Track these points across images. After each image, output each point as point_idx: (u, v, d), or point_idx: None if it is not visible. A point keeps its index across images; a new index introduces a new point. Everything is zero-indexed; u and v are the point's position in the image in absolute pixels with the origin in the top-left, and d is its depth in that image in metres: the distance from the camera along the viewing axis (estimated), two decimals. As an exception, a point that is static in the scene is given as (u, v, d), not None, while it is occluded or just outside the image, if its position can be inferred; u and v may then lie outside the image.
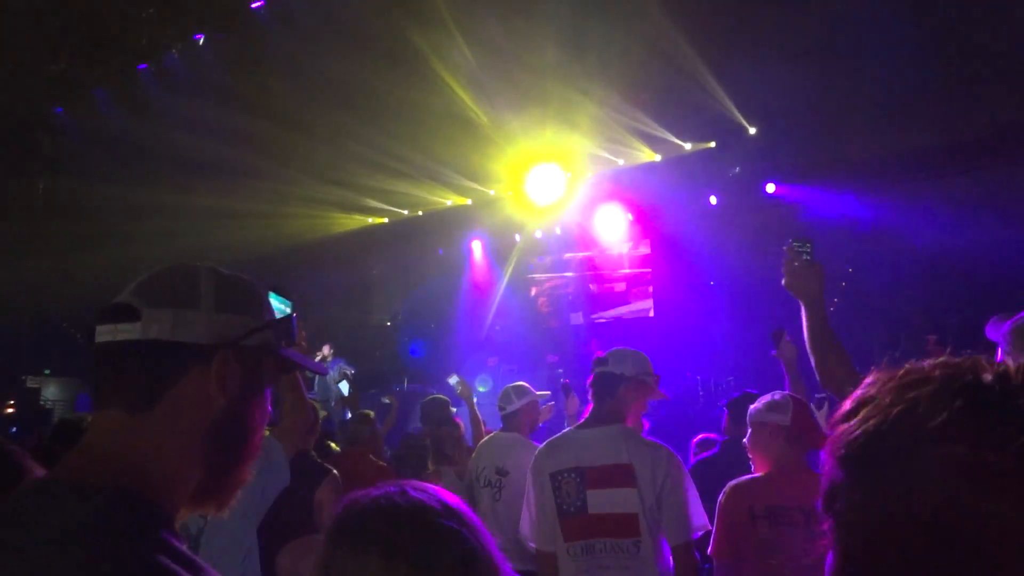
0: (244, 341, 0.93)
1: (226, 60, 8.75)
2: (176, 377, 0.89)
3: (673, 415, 8.86)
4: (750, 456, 2.44)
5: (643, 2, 7.47)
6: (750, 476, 2.38)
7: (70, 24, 8.60)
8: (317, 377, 10.71)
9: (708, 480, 2.95)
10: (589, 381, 2.78)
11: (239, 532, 1.93)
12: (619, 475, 2.53)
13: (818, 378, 2.04)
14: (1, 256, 11.42)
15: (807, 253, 2.05)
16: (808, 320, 2.02)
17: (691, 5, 7.93)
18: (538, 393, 3.88)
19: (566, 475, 2.60)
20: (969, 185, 9.97)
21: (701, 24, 8.29)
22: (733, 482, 2.39)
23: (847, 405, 0.70)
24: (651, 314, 12.18)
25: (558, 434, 2.89)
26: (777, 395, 2.39)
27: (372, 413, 4.15)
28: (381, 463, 4.11)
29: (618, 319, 12.24)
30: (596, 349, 10.51)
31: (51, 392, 13.74)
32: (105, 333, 0.90)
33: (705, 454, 3.73)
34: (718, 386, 10.16)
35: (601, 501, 2.51)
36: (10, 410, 12.23)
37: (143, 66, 9.15)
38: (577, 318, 12.92)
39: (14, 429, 10.78)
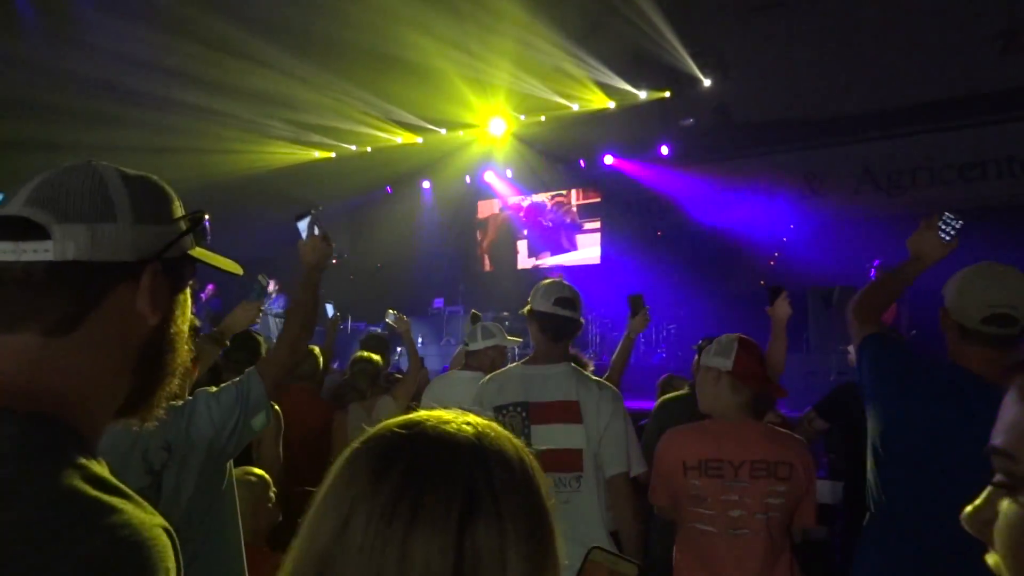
0: (168, 253, 0.87)
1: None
2: (98, 299, 0.81)
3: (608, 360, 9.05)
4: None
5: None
6: (688, 425, 2.40)
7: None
8: (261, 313, 10.51)
9: (678, 419, 2.94)
10: (543, 318, 2.67)
11: (210, 466, 1.84)
12: (566, 411, 2.55)
13: (855, 300, 2.13)
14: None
15: (951, 231, 2.04)
16: (899, 268, 2.11)
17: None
18: (509, 338, 3.71)
19: (511, 409, 2.59)
20: (909, 147, 10.23)
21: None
22: (671, 430, 2.40)
23: None
24: (598, 262, 12.30)
25: (503, 368, 2.87)
26: (724, 337, 2.37)
27: (317, 349, 4.09)
28: (323, 401, 4.08)
29: (564, 266, 12.32)
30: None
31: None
32: (3, 252, 0.78)
33: (677, 392, 3.72)
34: (659, 334, 10.37)
35: (545, 436, 2.52)
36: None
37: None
38: (524, 261, 12.96)
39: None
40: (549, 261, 12.66)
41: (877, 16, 8.95)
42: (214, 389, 1.92)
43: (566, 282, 2.82)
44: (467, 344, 3.71)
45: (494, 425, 0.79)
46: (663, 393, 3.86)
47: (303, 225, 2.16)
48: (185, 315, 0.93)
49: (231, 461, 1.93)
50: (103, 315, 0.82)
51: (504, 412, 2.60)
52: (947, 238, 2.05)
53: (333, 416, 3.96)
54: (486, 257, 13.54)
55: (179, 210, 0.92)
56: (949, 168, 9.97)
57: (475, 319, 4.57)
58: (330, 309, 4.85)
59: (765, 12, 9.21)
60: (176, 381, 0.93)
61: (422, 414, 0.78)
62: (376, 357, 4.20)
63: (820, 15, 9.15)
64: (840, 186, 10.50)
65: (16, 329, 0.80)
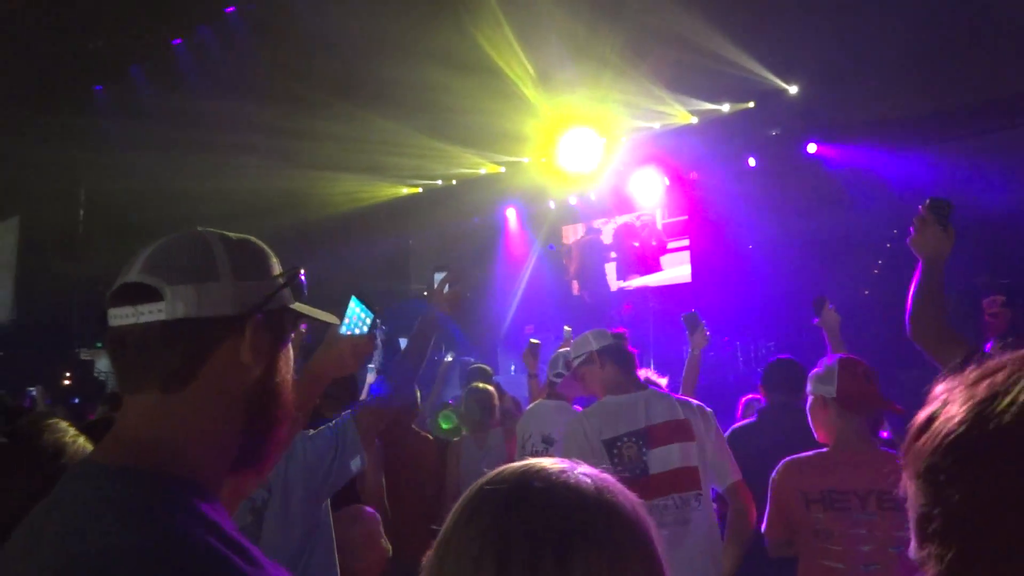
0: (268, 305, 0.93)
1: (258, 32, 8.76)
2: (207, 353, 0.88)
3: (712, 381, 8.80)
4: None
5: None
6: (806, 454, 2.28)
7: (104, 3, 8.70)
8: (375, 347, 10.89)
9: (746, 447, 2.92)
10: (611, 351, 2.76)
11: (306, 507, 1.92)
12: (680, 430, 2.58)
13: (909, 330, 2.01)
14: (52, 232, 11.77)
15: (943, 217, 1.96)
16: (923, 277, 1.99)
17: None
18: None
19: (625, 440, 2.59)
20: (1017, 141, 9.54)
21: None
22: (788, 459, 2.28)
23: (919, 418, 0.66)
24: (688, 280, 12.03)
25: (592, 404, 2.85)
26: (822, 365, 2.26)
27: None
28: (423, 432, 4.15)
29: (653, 287, 12.11)
30: (630, 316, 10.42)
31: (104, 364, 14.20)
32: (124, 316, 0.87)
33: (744, 421, 3.66)
34: (758, 352, 10.02)
35: (663, 459, 2.54)
36: (67, 382, 12.68)
37: (178, 41, 9.21)
38: (613, 283, 12.83)
39: (76, 400, 11.16)
40: (637, 282, 12.50)
41: (970, 7, 8.43)
42: (312, 432, 1.98)
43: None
44: (553, 373, 3.72)
45: (607, 476, 0.80)
46: (745, 415, 3.76)
47: (438, 277, 2.31)
48: (288, 365, 0.98)
49: (328, 501, 1.99)
50: (213, 368, 0.88)
51: (618, 444, 2.59)
52: (944, 225, 1.93)
53: (432, 446, 4.02)
54: (574, 282, 13.50)
55: (277, 266, 0.98)
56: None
57: (533, 348, 4.55)
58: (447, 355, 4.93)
59: (848, 11, 8.86)
60: (286, 429, 0.98)
61: (541, 463, 0.80)
62: (490, 388, 4.24)
63: (907, 10, 8.71)
64: (943, 185, 9.87)
65: (139, 388, 0.87)
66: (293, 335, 1.00)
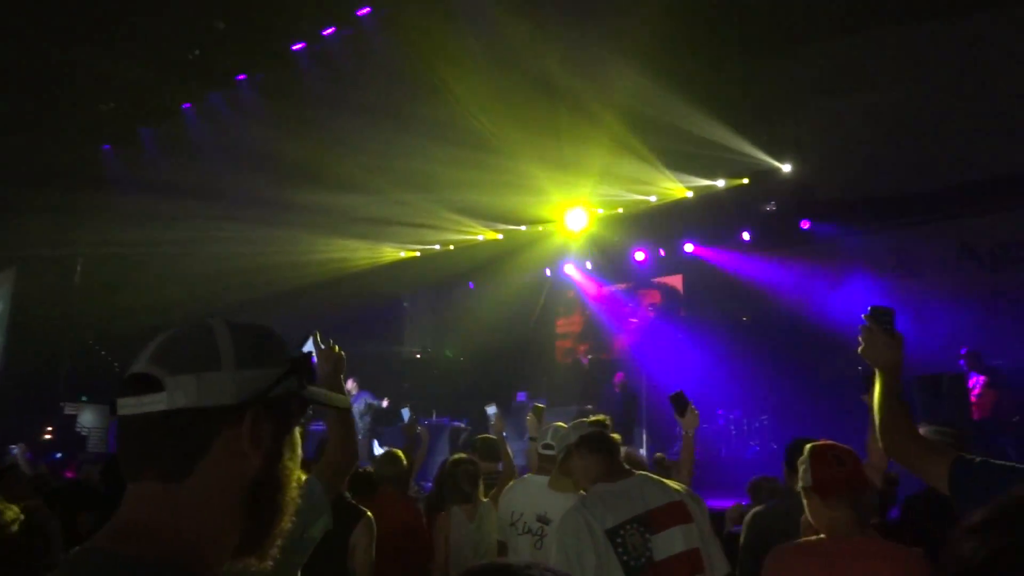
0: (271, 393, 0.92)
1: (266, 99, 9.00)
2: (208, 443, 0.88)
3: (703, 455, 8.69)
4: None
5: (678, 44, 7.53)
6: (797, 543, 2.23)
7: (119, 66, 8.96)
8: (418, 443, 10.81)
9: (764, 533, 2.82)
10: (588, 441, 2.72)
11: None
12: (680, 512, 2.54)
13: (881, 444, 1.99)
14: (45, 286, 11.76)
15: (887, 324, 1.96)
16: (881, 388, 1.97)
17: (726, 47, 7.98)
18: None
19: (628, 527, 2.49)
20: (1005, 222, 9.75)
21: (733, 64, 8.32)
22: (777, 549, 2.23)
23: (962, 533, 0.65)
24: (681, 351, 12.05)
25: (591, 491, 2.73)
26: (804, 453, 2.23)
27: (400, 452, 4.12)
28: (411, 503, 4.08)
29: (652, 352, 12.11)
30: (622, 383, 10.29)
31: (87, 419, 13.97)
32: (129, 406, 0.88)
33: (765, 505, 3.54)
34: (751, 426, 9.95)
35: (666, 544, 2.47)
36: (47, 436, 12.45)
37: (187, 105, 9.44)
38: (605, 351, 12.81)
39: (58, 455, 10.96)
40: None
41: (953, 87, 8.75)
42: None
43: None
44: (550, 447, 3.61)
45: None
46: (755, 497, 3.65)
47: (308, 346, 2.26)
48: (295, 453, 0.97)
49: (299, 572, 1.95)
50: (214, 458, 0.88)
51: (621, 533, 2.50)
52: (890, 332, 1.92)
53: (420, 517, 3.94)
54: (566, 349, 13.50)
55: (284, 352, 0.97)
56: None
57: (538, 412, 4.42)
58: (406, 413, 4.90)
59: (840, 94, 9.19)
60: (288, 518, 0.96)
61: (512, 565, 0.81)
62: (471, 459, 4.15)
63: (897, 94, 9.03)
64: (934, 263, 10.03)
65: (140, 477, 0.88)
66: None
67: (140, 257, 10.27)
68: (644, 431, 10.37)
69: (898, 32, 8.38)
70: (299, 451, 0.99)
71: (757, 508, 3.36)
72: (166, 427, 0.87)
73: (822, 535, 2.17)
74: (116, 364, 12.43)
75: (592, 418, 2.86)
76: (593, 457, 2.68)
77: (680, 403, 3.43)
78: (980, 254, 9.83)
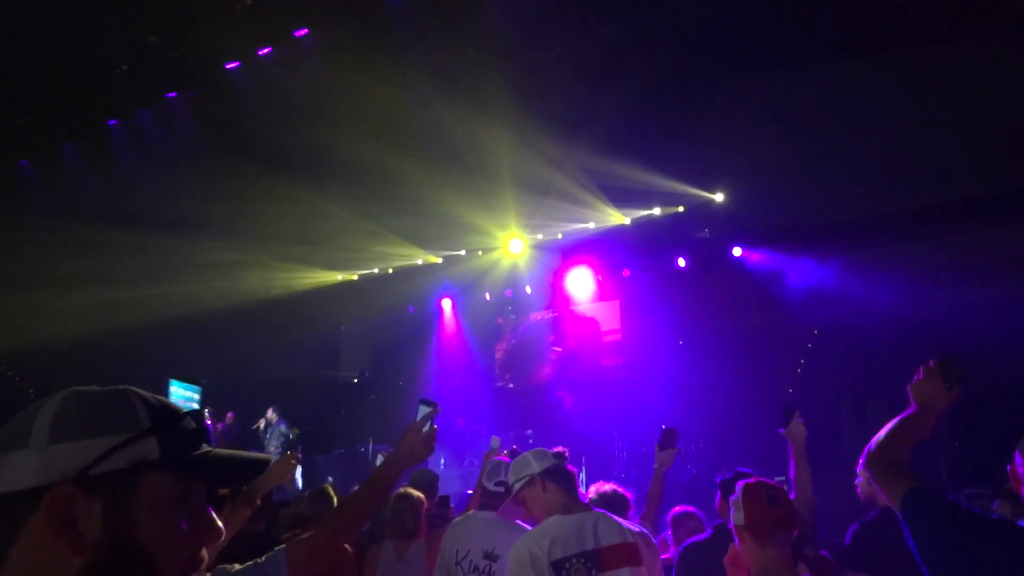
0: (93, 469, 0.78)
1: (197, 119, 8.74)
2: (14, 533, 0.76)
3: (639, 476, 8.74)
4: None
5: (615, 70, 7.66)
6: None
7: (41, 79, 8.57)
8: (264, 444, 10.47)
9: (697, 566, 2.82)
10: (553, 473, 2.69)
11: None
12: (630, 554, 2.52)
13: (869, 453, 2.03)
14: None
15: (953, 378, 1.97)
16: (909, 419, 2.02)
17: (661, 76, 8.16)
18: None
19: (575, 561, 2.49)
20: (933, 250, 10.25)
21: (669, 92, 8.53)
22: None
23: None
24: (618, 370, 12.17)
25: (539, 525, 2.72)
26: (736, 490, 2.24)
27: (330, 489, 3.96)
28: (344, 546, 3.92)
29: (590, 379, 12.16)
30: (567, 408, 10.30)
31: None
32: None
33: (696, 537, 3.54)
34: (688, 450, 10.06)
35: None
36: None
37: (113, 122, 9.09)
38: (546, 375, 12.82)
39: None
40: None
41: (885, 123, 9.17)
42: (235, 569, 1.71)
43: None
44: (498, 482, 3.54)
45: None
46: (676, 531, 3.66)
47: (422, 413, 2.06)
48: (164, 542, 0.81)
49: None
50: (23, 549, 0.77)
51: (567, 566, 2.50)
52: (950, 385, 1.98)
53: (351, 560, 3.80)
54: (507, 374, 13.45)
55: (132, 417, 0.84)
56: (969, 267, 9.96)
57: (495, 446, 4.37)
58: (379, 460, 4.66)
59: (773, 124, 9.52)
60: None
61: None
62: (420, 495, 4.04)
63: (827, 125, 9.42)
64: (860, 289, 10.43)
65: None
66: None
67: (51, 280, 9.73)
68: (584, 456, 10.34)
69: (829, 68, 8.75)
70: (183, 537, 0.84)
71: (690, 540, 3.37)
72: None
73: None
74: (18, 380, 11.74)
75: (554, 450, 2.84)
76: (553, 488, 2.66)
77: (669, 440, 3.44)
78: (911, 279, 10.30)
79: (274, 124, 8.59)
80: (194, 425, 0.88)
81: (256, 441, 10.90)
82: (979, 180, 9.17)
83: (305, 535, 1.89)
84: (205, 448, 0.88)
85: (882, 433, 2.02)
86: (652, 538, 2.65)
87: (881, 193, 9.64)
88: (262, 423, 10.92)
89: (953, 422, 8.05)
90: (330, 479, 5.24)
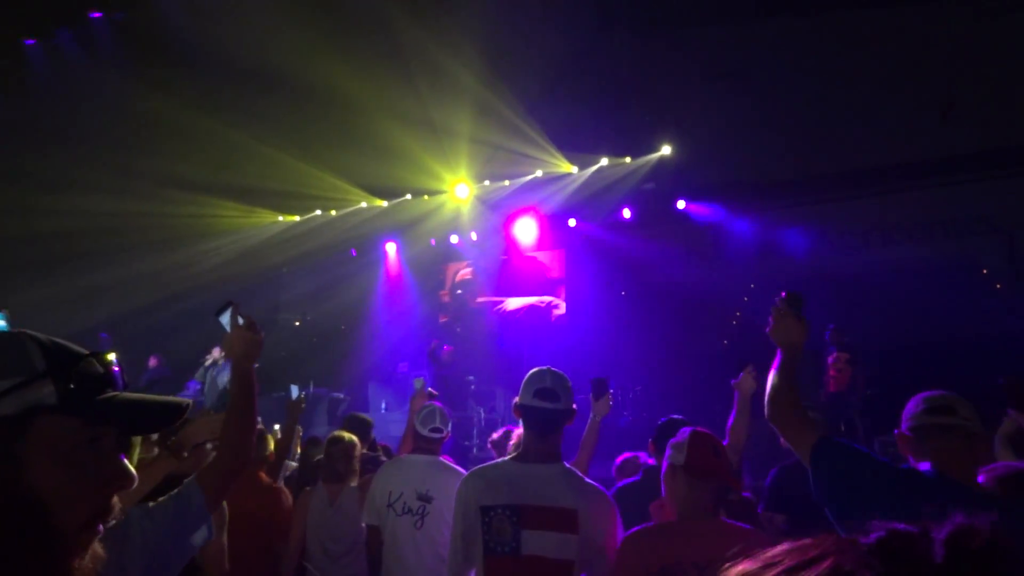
0: None
1: (124, 41, 8.20)
2: None
3: (578, 422, 8.93)
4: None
5: (566, 20, 7.50)
6: (647, 525, 2.29)
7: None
8: (207, 380, 10.23)
9: (630, 508, 2.85)
10: (526, 412, 2.51)
11: None
12: (562, 519, 2.36)
13: (766, 411, 2.16)
14: None
15: (798, 308, 2.16)
16: (781, 364, 2.15)
17: (613, 26, 8.03)
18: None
19: (499, 511, 2.39)
20: (865, 209, 10.58)
21: (620, 44, 8.41)
22: (628, 534, 2.28)
23: None
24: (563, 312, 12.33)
25: (490, 463, 2.66)
26: (681, 433, 2.30)
27: (266, 433, 3.91)
28: (274, 484, 3.89)
29: (529, 320, 12.26)
30: (508, 350, 10.38)
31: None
32: None
33: (628, 480, 3.62)
34: (626, 395, 10.31)
35: (537, 543, 2.34)
36: None
37: (31, 42, 8.48)
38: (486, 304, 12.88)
39: None
40: (514, 303, 12.63)
41: (828, 85, 9.30)
42: (151, 505, 1.70)
43: (553, 370, 2.60)
44: (435, 429, 3.54)
45: None
46: (620, 477, 3.75)
47: (225, 319, 1.97)
48: (64, 472, 0.80)
49: None
50: None
51: (492, 513, 2.40)
52: (799, 318, 2.14)
53: (276, 498, 3.78)
54: (449, 316, 13.45)
55: (28, 360, 0.81)
56: (901, 227, 10.34)
57: (420, 388, 4.27)
58: (295, 391, 4.51)
59: (720, 81, 9.53)
60: (88, 541, 0.81)
61: None
62: (355, 439, 4.00)
63: (773, 84, 9.49)
64: (802, 245, 10.73)
65: None
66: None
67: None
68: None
69: (780, 23, 8.75)
70: (81, 481, 0.81)
71: (621, 483, 3.46)
72: None
73: (673, 519, 2.24)
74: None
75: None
76: (528, 432, 2.51)
77: (600, 388, 3.39)
78: (846, 237, 10.64)
79: (212, 41, 7.94)
80: (99, 368, 0.85)
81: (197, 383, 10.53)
82: (911, 144, 9.45)
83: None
84: (111, 392, 0.86)
85: (769, 390, 2.12)
86: (610, 504, 2.45)
87: (820, 153, 9.84)
88: (208, 360, 10.59)
89: (870, 373, 8.47)
90: (276, 426, 5.13)
